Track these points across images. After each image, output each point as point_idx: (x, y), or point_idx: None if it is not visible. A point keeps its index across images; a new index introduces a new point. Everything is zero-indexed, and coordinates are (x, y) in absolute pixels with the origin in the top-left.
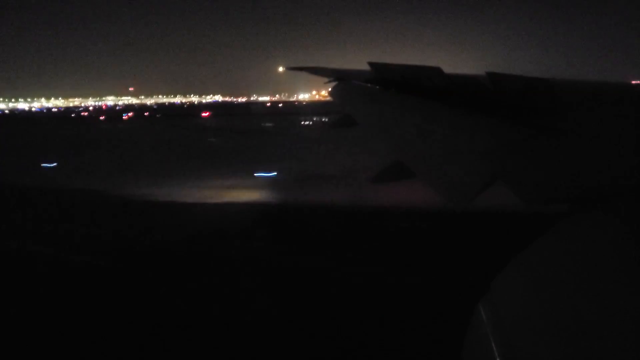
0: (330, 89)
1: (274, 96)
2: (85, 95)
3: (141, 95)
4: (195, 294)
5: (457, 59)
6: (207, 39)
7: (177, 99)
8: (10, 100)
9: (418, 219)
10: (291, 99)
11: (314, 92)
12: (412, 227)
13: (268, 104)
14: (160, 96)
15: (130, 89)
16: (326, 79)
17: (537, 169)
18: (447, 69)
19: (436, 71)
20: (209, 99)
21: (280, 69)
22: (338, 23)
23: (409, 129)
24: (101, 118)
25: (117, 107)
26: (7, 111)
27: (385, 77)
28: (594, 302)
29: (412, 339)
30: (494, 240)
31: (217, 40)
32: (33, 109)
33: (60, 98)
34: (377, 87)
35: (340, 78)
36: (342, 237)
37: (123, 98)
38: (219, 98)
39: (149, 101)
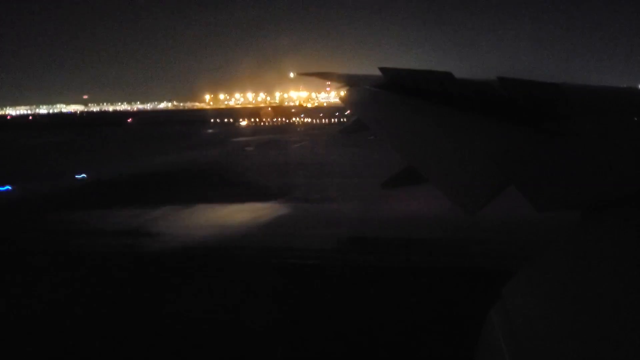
0: (342, 94)
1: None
2: (30, 103)
3: (94, 102)
4: None
5: (468, 63)
6: (164, 44)
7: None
8: None
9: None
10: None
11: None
12: None
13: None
14: (117, 103)
15: (84, 96)
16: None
17: (549, 174)
18: (458, 74)
19: (447, 76)
20: (162, 105)
21: (292, 74)
22: (342, 24)
23: (421, 134)
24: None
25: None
26: None
27: (396, 82)
28: (605, 308)
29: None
30: None
31: (175, 46)
32: None
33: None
34: (388, 92)
35: (351, 83)
36: None
37: (73, 106)
38: (168, 105)
39: (100, 108)
